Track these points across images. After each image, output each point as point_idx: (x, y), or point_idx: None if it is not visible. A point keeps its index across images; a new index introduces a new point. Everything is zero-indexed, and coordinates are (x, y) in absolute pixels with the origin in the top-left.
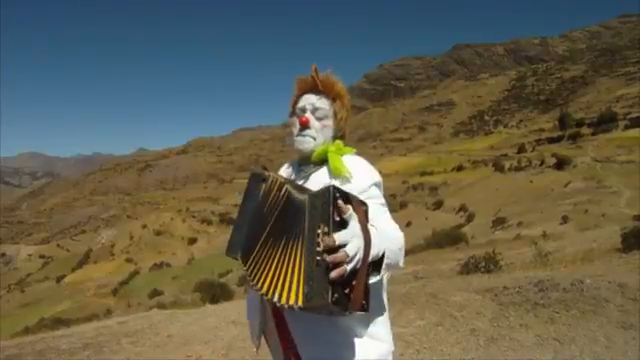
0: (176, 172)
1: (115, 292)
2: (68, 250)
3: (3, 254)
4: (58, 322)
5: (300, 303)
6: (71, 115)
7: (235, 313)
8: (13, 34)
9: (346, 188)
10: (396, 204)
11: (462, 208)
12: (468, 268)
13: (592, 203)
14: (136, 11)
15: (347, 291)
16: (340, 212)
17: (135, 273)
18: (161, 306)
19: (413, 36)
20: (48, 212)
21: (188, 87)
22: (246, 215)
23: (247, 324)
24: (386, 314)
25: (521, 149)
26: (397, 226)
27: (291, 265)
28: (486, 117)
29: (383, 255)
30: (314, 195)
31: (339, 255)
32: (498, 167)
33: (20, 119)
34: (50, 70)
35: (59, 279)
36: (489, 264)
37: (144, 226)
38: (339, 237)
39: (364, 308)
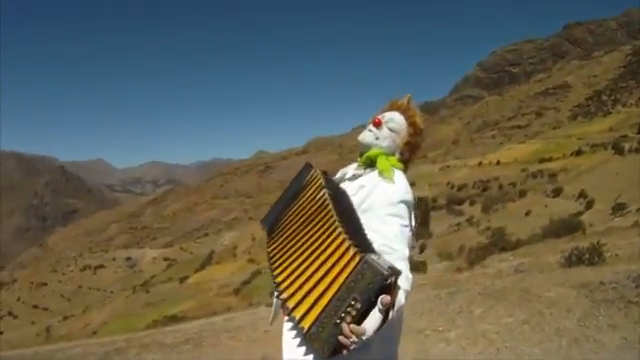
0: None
1: (237, 292)
2: (191, 252)
3: (128, 258)
4: (173, 319)
5: (305, 329)
6: (189, 123)
7: None
8: (141, 43)
9: (379, 190)
10: (515, 193)
11: (581, 195)
12: (571, 261)
13: None
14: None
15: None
16: (379, 298)
17: (257, 273)
18: None
19: (523, 19)
20: (171, 217)
21: (306, 86)
22: (286, 197)
23: None
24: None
25: None
26: (406, 253)
27: (313, 286)
28: (604, 97)
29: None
30: (367, 262)
31: (351, 339)
32: (618, 149)
33: (141, 131)
34: (164, 79)
35: (182, 280)
36: (593, 256)
37: None
38: (362, 330)
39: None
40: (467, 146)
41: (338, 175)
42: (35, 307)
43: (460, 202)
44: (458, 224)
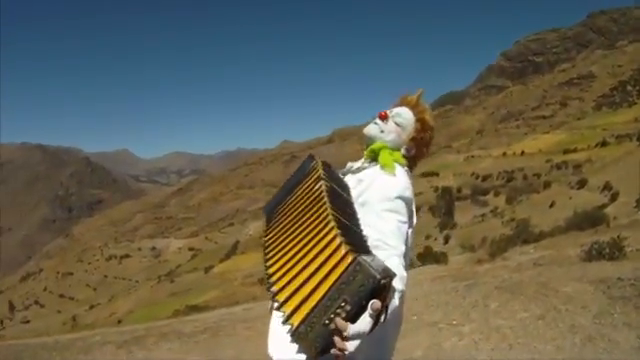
0: None
1: (262, 281)
2: (216, 242)
3: (153, 248)
4: (195, 309)
5: (294, 326)
6: (214, 113)
7: None
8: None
9: (376, 185)
10: (540, 184)
11: (606, 187)
12: (591, 255)
13: None
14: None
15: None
16: (369, 302)
17: None
18: None
19: (546, 8)
20: (196, 207)
21: (330, 77)
22: (287, 187)
23: None
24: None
25: None
26: (402, 250)
27: (304, 281)
28: (629, 87)
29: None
30: (359, 264)
31: (342, 345)
32: None
33: (165, 122)
34: (189, 70)
35: (207, 270)
36: (613, 250)
37: None
38: (352, 330)
39: None
40: (492, 136)
41: (346, 168)
42: (61, 296)
43: (485, 192)
44: (482, 215)
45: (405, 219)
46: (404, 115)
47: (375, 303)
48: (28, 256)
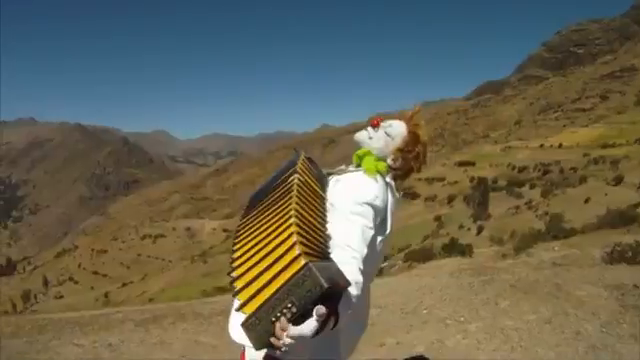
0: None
1: None
2: None
3: (188, 228)
4: (221, 290)
5: (245, 314)
6: (253, 95)
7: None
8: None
9: (350, 188)
10: (576, 178)
11: None
12: (612, 257)
13: None
14: None
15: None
16: (314, 307)
17: None
18: None
19: None
20: (232, 189)
21: (371, 61)
22: (270, 179)
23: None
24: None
25: None
26: (362, 253)
27: (259, 273)
28: None
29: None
30: (309, 270)
31: (281, 341)
32: None
33: (204, 103)
34: (229, 52)
35: None
36: (636, 254)
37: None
38: (292, 332)
39: None
40: (530, 127)
41: (336, 169)
42: (95, 273)
43: (520, 184)
44: (517, 207)
45: (371, 225)
46: (395, 126)
47: (320, 309)
48: (65, 233)
